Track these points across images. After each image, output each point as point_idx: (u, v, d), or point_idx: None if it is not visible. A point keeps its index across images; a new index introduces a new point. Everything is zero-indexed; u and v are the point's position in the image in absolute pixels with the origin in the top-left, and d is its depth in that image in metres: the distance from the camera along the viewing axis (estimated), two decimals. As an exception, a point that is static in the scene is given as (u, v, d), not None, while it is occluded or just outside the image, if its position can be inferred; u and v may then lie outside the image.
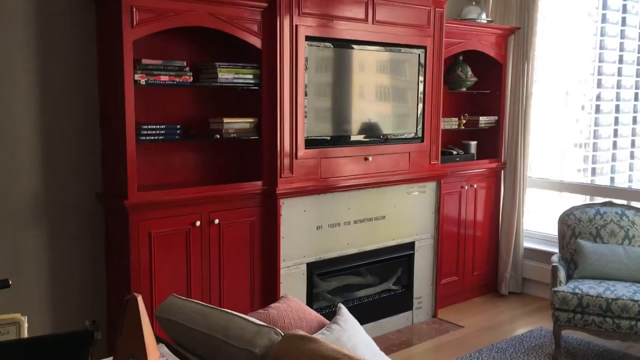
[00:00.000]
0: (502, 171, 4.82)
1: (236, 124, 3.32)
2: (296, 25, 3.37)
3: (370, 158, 3.82)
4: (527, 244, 4.87)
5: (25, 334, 1.68)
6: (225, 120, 3.27)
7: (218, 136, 3.27)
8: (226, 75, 3.22)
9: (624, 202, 4.36)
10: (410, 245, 4.15)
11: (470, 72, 4.56)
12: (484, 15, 4.55)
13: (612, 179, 7.53)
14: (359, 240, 3.86)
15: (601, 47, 7.23)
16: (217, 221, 3.25)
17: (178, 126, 3.14)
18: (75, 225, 3.18)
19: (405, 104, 4.04)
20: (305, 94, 3.47)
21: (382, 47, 3.81)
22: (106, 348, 2.86)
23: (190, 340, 1.91)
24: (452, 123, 4.54)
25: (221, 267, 3.31)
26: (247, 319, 1.88)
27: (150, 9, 2.91)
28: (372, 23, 3.72)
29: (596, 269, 3.76)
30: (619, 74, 7.40)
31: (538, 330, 4.12)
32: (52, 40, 3.02)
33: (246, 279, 3.42)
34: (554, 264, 3.78)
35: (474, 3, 4.68)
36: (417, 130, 4.07)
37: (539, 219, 5.00)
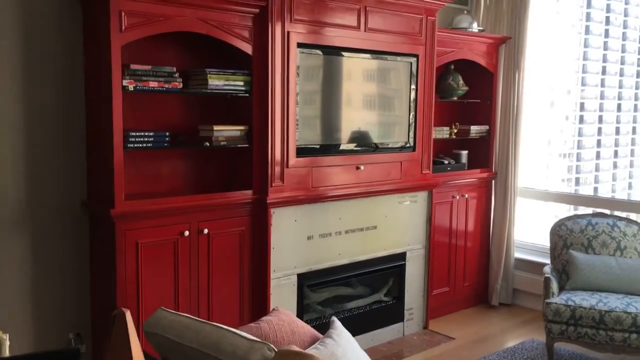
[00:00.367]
0: (493, 181, 4.80)
1: (226, 132, 3.25)
2: (288, 32, 3.32)
3: (362, 167, 3.77)
4: (517, 254, 4.84)
5: (6, 353, 1.59)
6: (215, 127, 3.20)
7: (208, 144, 3.20)
8: (216, 81, 3.15)
9: (616, 212, 4.36)
10: (402, 256, 4.10)
11: (461, 81, 4.54)
12: (475, 25, 4.54)
13: (595, 189, 7.58)
14: (350, 250, 3.80)
15: (585, 59, 7.29)
16: (206, 231, 3.18)
17: (167, 133, 3.07)
18: (59, 235, 3.08)
19: (396, 112, 4.00)
20: (297, 101, 3.42)
21: (374, 55, 3.78)
22: (90, 362, 2.76)
23: (180, 357, 1.83)
24: (443, 132, 4.51)
25: (210, 278, 3.22)
26: (239, 334, 1.81)
27: (139, 14, 2.84)
28: (365, 31, 3.68)
29: (588, 280, 3.74)
30: (602, 85, 7.47)
31: (530, 342, 4.08)
32: (37, 44, 2.93)
33: (235, 290, 3.34)
34: (546, 275, 3.75)
35: (465, 12, 4.67)
36: (408, 139, 4.03)
37: (526, 228, 4.99)
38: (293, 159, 3.43)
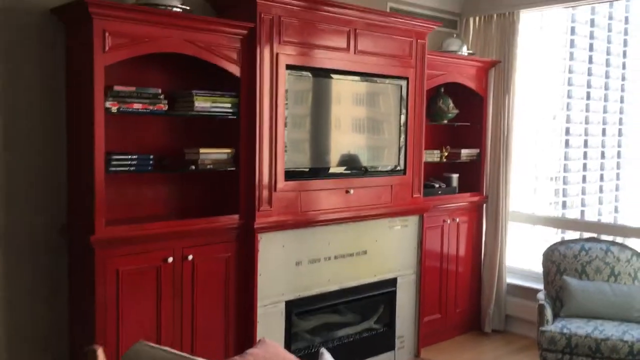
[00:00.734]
0: (484, 205, 4.74)
1: (213, 155, 3.16)
2: (277, 54, 3.26)
3: (352, 191, 3.69)
4: (509, 279, 4.76)
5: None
6: (202, 150, 3.11)
7: (193, 167, 3.10)
8: (203, 103, 3.07)
9: (603, 236, 4.29)
10: (392, 282, 4.00)
11: (451, 104, 4.50)
12: (464, 48, 4.52)
13: (582, 212, 7.58)
14: (339, 276, 3.69)
15: (569, 84, 7.37)
16: (190, 257, 3.06)
17: (151, 156, 2.97)
18: (36, 260, 2.96)
19: (386, 135, 3.94)
20: (285, 124, 3.34)
21: (363, 78, 3.73)
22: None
23: (159, 395, 1.71)
24: (433, 155, 4.45)
25: (194, 306, 3.10)
26: (223, 370, 1.70)
27: (123, 34, 2.77)
28: (355, 53, 3.63)
29: (583, 307, 3.66)
30: (587, 109, 7.54)
31: (524, 370, 3.98)
32: (17, 64, 2.84)
33: (221, 319, 3.22)
34: (540, 302, 3.67)
35: (454, 36, 4.66)
36: (399, 163, 3.96)
37: (515, 252, 4.92)
38: (281, 183, 3.34)
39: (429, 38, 4.07)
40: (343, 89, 3.68)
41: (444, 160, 4.55)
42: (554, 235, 5.63)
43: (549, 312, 3.62)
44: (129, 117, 3.03)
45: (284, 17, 3.27)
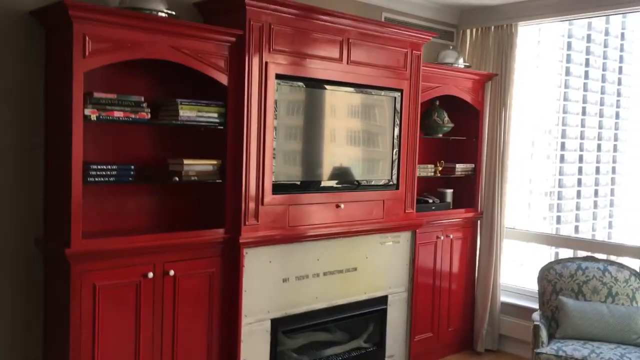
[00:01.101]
0: (479, 221, 4.62)
1: (198, 166, 3.04)
2: (266, 62, 3.15)
3: (342, 205, 3.57)
4: (503, 298, 4.64)
5: None
6: (186, 161, 2.99)
7: (177, 179, 2.98)
8: (188, 112, 2.95)
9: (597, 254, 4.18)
10: (383, 300, 3.87)
11: (446, 118, 4.40)
12: (461, 60, 4.43)
13: (576, 227, 7.51)
14: (328, 293, 3.56)
15: (565, 99, 7.33)
16: (172, 272, 2.93)
17: (132, 167, 2.85)
18: (10, 275, 2.81)
19: (379, 148, 3.83)
20: (274, 136, 3.23)
21: (356, 89, 3.62)
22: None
23: None
24: (427, 170, 4.34)
25: (175, 324, 2.96)
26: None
27: (105, 39, 2.65)
28: (347, 63, 3.53)
29: (579, 328, 3.54)
30: (582, 125, 7.50)
31: (518, 393, 3.85)
32: (-6, 69, 2.72)
33: (203, 338, 3.08)
34: (535, 323, 3.55)
35: (451, 47, 4.56)
36: (391, 177, 3.85)
37: (509, 269, 4.80)
38: (269, 196, 3.22)
39: (424, 49, 3.97)
40: (335, 100, 3.57)
41: (438, 174, 4.44)
42: (549, 250, 5.52)
43: (544, 334, 3.50)
44: (110, 126, 2.91)
45: (274, 24, 3.17)
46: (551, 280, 3.82)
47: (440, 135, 4.45)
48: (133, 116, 2.80)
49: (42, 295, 2.90)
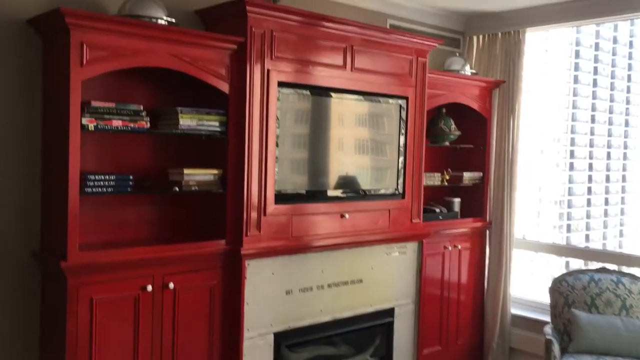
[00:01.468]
0: (487, 231, 4.52)
1: (198, 176, 2.97)
2: (268, 70, 3.08)
3: (347, 215, 3.48)
4: (514, 310, 4.52)
5: None
6: (186, 171, 2.92)
7: (177, 189, 2.92)
8: (188, 121, 2.89)
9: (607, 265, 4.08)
10: (390, 312, 3.77)
11: (453, 126, 4.32)
12: (467, 67, 4.35)
13: (587, 236, 7.41)
14: (333, 306, 3.47)
15: (574, 107, 7.26)
16: (172, 285, 2.85)
17: (130, 177, 2.78)
18: (6, 288, 2.75)
19: (384, 157, 3.75)
20: (277, 144, 3.16)
21: (360, 96, 3.55)
22: None
23: None
24: (434, 179, 4.25)
25: (175, 339, 2.89)
26: None
27: (103, 47, 2.60)
28: (351, 70, 3.46)
29: (593, 342, 3.43)
30: (592, 133, 7.42)
31: (529, 409, 3.74)
32: (-10, 78, 2.67)
33: (204, 353, 2.99)
34: (547, 337, 3.44)
35: (457, 54, 4.49)
36: (397, 186, 3.76)
37: (519, 280, 4.69)
38: (271, 206, 3.15)
39: (430, 57, 3.90)
40: (338, 108, 3.50)
41: (445, 183, 4.35)
42: (559, 260, 5.42)
43: (556, 348, 3.39)
44: (108, 135, 2.85)
45: (276, 32, 3.11)
46: (563, 292, 3.72)
47: (447, 143, 4.37)
48: (132, 125, 2.74)
49: (38, 309, 2.83)
